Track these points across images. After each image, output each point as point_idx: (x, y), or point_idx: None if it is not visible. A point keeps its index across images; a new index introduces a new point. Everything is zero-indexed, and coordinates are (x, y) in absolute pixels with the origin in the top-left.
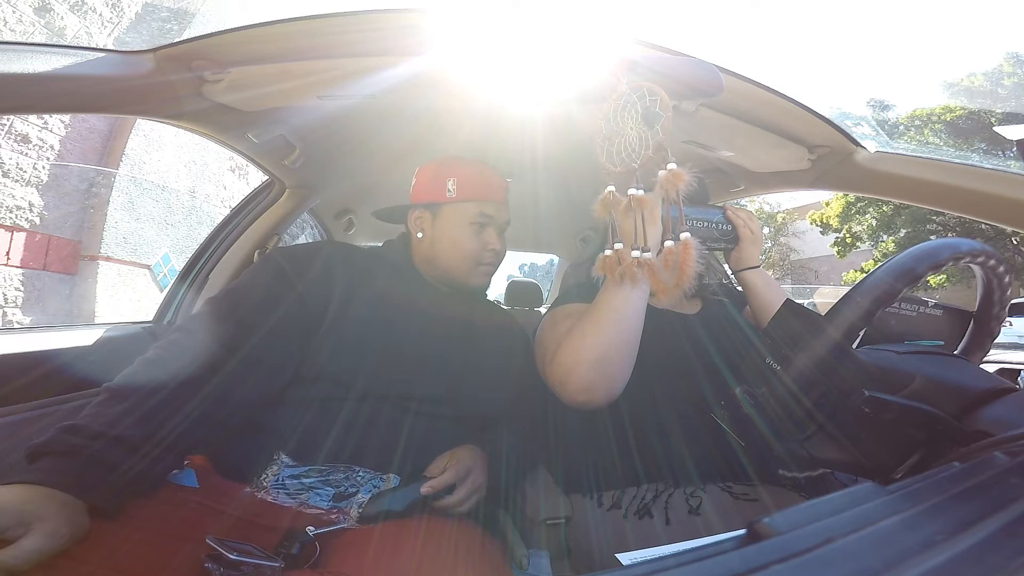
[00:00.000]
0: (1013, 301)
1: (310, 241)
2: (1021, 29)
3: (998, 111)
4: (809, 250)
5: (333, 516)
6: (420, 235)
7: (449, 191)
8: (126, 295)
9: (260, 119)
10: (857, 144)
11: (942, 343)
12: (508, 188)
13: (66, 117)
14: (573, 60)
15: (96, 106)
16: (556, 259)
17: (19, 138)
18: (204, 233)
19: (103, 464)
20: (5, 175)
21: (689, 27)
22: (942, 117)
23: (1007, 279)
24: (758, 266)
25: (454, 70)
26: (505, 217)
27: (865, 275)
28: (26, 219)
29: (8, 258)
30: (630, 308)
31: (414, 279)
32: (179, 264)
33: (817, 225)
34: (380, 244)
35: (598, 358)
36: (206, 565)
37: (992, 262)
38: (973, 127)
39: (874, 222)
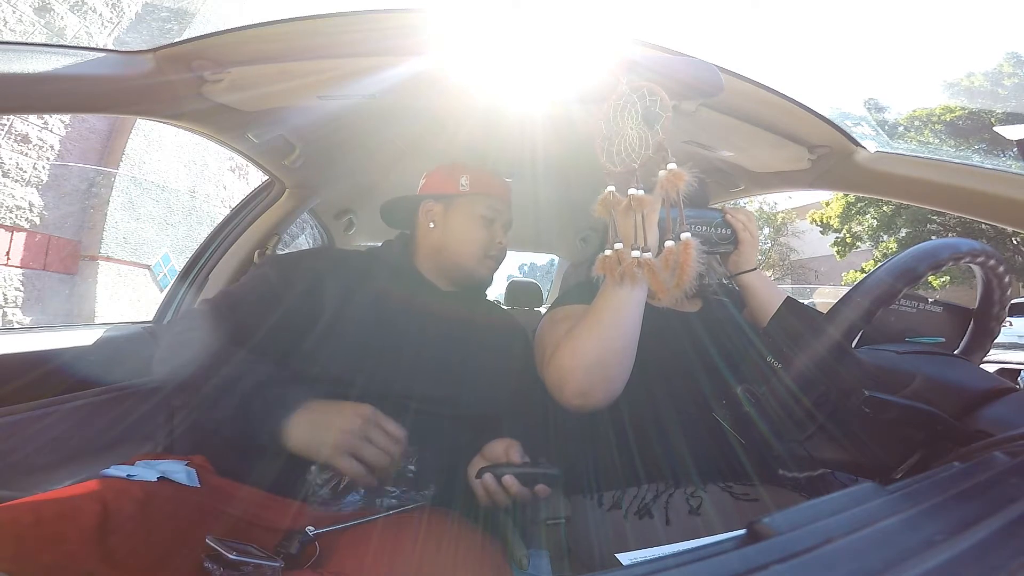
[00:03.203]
0: (1013, 301)
1: (305, 249)
2: (1021, 29)
3: (998, 111)
4: (809, 250)
5: None
6: (432, 225)
7: (462, 185)
8: (126, 295)
9: (260, 119)
10: (857, 144)
11: (943, 340)
12: (510, 190)
13: (66, 117)
14: (573, 60)
15: (96, 106)
16: (556, 259)
17: (19, 138)
18: (204, 233)
19: None
20: (5, 175)
21: (689, 27)
22: (942, 117)
23: (1007, 279)
24: (755, 268)
25: (454, 70)
26: (509, 217)
27: (865, 275)
28: (26, 219)
29: (8, 258)
30: (627, 312)
31: (413, 279)
32: (179, 264)
33: (817, 225)
34: (379, 244)
35: (595, 362)
36: (206, 565)
37: (992, 262)
38: (973, 127)
39: (874, 222)
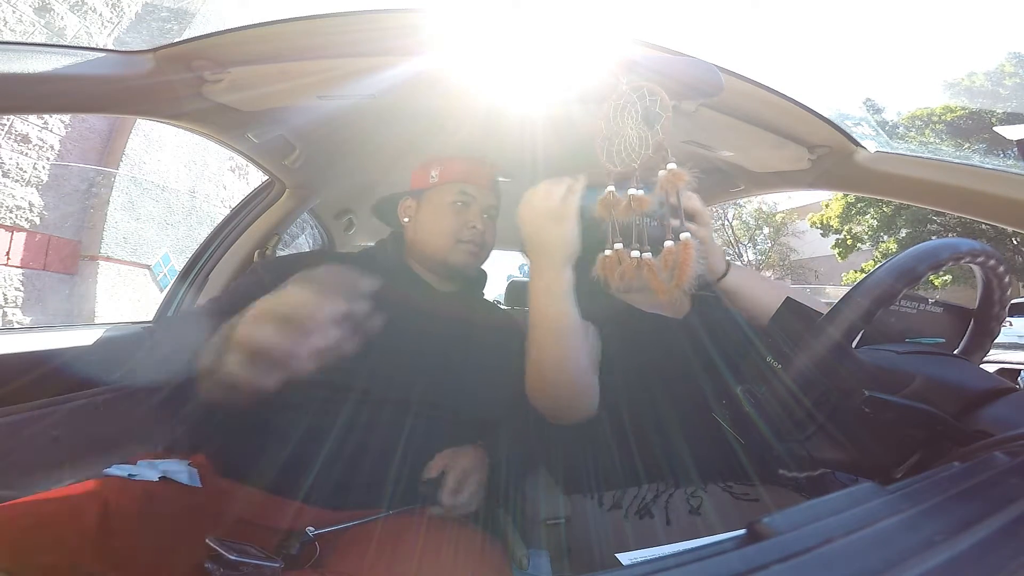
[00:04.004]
0: (1013, 301)
1: (300, 252)
2: (1022, 29)
3: (999, 111)
4: (809, 250)
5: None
6: (407, 220)
7: (432, 177)
8: (126, 295)
9: (260, 119)
10: (857, 144)
11: (943, 340)
12: (495, 176)
13: (66, 117)
14: (573, 60)
15: (96, 106)
16: None
17: (19, 138)
18: (204, 233)
19: None
20: (5, 175)
21: (689, 27)
22: (943, 117)
23: (1007, 279)
24: (729, 269)
25: (454, 70)
26: (489, 201)
27: (865, 275)
28: (26, 219)
29: (8, 258)
30: (560, 343)
31: (410, 279)
32: (179, 264)
33: (817, 227)
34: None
35: (553, 405)
36: (206, 565)
37: (992, 262)
38: (974, 127)
39: (874, 222)
